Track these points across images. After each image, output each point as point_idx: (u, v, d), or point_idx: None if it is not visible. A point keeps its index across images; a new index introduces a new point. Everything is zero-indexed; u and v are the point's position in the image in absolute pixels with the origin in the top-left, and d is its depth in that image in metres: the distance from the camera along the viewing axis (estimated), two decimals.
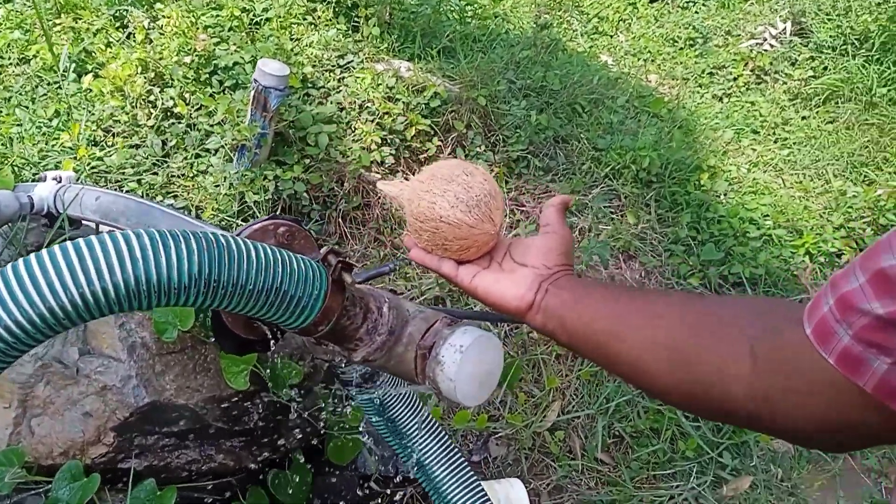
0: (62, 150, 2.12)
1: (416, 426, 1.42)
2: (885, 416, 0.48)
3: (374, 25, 2.74)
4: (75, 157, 2.07)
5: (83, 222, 1.65)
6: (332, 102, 2.53)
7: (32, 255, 0.74)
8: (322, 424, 1.55)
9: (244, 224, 1.18)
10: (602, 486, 1.78)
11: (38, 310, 0.72)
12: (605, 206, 2.53)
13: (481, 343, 0.93)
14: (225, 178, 2.28)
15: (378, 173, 2.52)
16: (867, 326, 0.46)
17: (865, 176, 3.05)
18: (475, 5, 3.18)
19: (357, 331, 0.95)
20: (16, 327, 0.72)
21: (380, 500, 1.69)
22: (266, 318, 0.89)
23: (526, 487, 1.80)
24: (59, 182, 1.63)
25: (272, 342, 1.22)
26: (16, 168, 1.92)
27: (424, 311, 1.01)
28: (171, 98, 2.59)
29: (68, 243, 0.76)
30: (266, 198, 2.30)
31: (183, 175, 2.37)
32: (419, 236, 0.87)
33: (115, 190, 2.21)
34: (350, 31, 2.85)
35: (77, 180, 2.06)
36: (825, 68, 3.50)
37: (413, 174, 2.68)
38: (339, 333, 0.95)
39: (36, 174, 2.01)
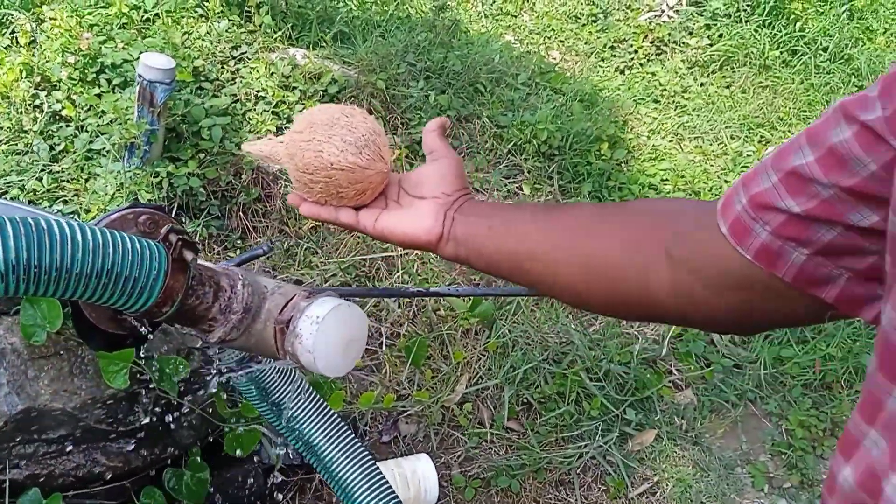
0: None
1: (299, 403, 1.40)
2: (803, 301, 0.52)
3: (267, 14, 2.70)
4: None
5: None
6: (225, 94, 2.48)
7: None
8: (217, 418, 1.52)
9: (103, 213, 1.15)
10: (511, 452, 1.80)
11: None
12: (508, 182, 2.56)
13: (339, 312, 0.93)
14: (115, 177, 2.21)
15: (276, 164, 2.48)
16: (785, 223, 0.49)
17: (761, 136, 3.16)
18: None
19: (209, 310, 0.93)
20: None
21: (288, 490, 1.67)
22: (104, 303, 0.86)
23: (436, 462, 1.81)
24: None
25: (148, 335, 1.18)
26: None
27: (283, 287, 1.00)
28: (58, 101, 2.50)
29: None
30: (160, 195, 2.25)
31: (73, 179, 2.29)
32: (310, 190, 0.81)
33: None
34: (243, 22, 2.79)
35: None
36: (720, 35, 3.61)
37: None
38: (190, 314, 0.92)
39: None
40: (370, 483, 1.62)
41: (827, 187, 0.47)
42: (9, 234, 0.76)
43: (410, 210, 0.80)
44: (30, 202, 2.16)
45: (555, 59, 3.34)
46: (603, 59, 3.53)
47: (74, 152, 2.38)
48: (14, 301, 1.32)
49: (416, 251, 2.29)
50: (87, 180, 2.31)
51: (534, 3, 3.89)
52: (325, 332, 0.92)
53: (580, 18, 3.76)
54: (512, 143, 2.65)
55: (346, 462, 1.61)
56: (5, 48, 2.83)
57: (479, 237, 0.76)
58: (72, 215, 2.18)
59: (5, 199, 1.47)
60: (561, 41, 3.49)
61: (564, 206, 0.83)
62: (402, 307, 2.08)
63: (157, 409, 1.42)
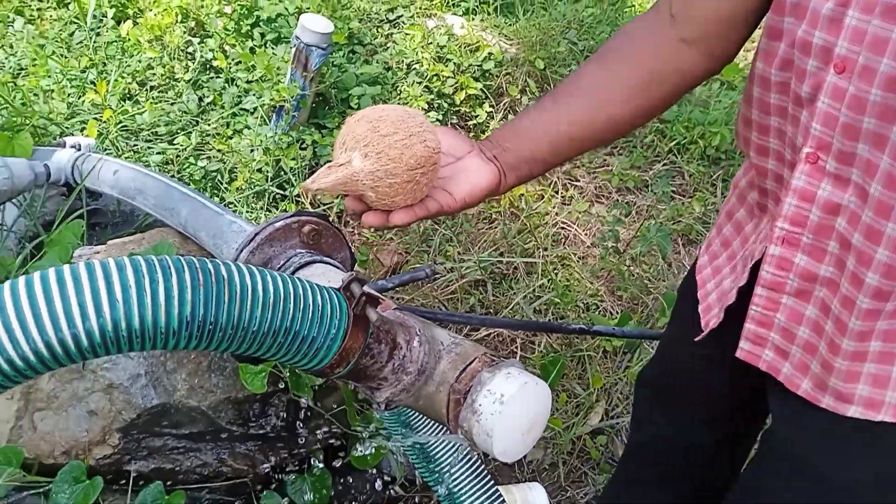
0: (91, 108, 2.01)
1: (448, 452, 1.30)
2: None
3: None
4: (100, 120, 1.96)
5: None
6: (377, 62, 2.36)
7: None
8: (345, 425, 1.45)
9: (268, 219, 1.05)
10: None
11: None
12: (667, 186, 2.34)
13: (527, 391, 0.79)
14: (261, 141, 2.14)
15: None
16: None
17: None
18: None
19: (381, 370, 0.82)
20: None
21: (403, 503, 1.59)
22: (275, 359, 0.76)
23: (561, 496, 1.68)
24: (78, 150, 1.51)
25: None
26: (38, 129, 1.81)
27: (461, 344, 0.87)
28: (211, 50, 2.45)
29: (35, 276, 0.64)
30: (303, 164, 2.17)
31: (218, 135, 2.25)
32: (413, 190, 0.78)
33: (148, 151, 2.11)
34: None
35: (102, 144, 1.96)
36: None
37: None
38: (361, 373, 0.81)
39: (62, 133, 1.91)
40: None
41: None
42: (186, 284, 0.66)
43: (465, 173, 0.84)
44: (175, 158, 2.13)
45: None
46: None
47: (223, 107, 2.33)
48: None
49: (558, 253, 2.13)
50: (231, 137, 2.26)
51: None
52: (509, 413, 0.79)
53: None
54: (675, 142, 2.41)
55: (468, 484, 1.49)
56: None
57: (529, 150, 0.85)
58: (215, 174, 2.14)
59: (150, 169, 1.40)
60: None
61: (569, 80, 0.90)
62: (543, 315, 1.93)
63: (288, 413, 1.35)
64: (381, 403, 0.85)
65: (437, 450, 1.48)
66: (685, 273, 2.17)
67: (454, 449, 1.51)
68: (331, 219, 1.28)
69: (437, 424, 1.22)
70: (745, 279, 0.92)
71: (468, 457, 1.42)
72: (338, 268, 1.08)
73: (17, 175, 1.41)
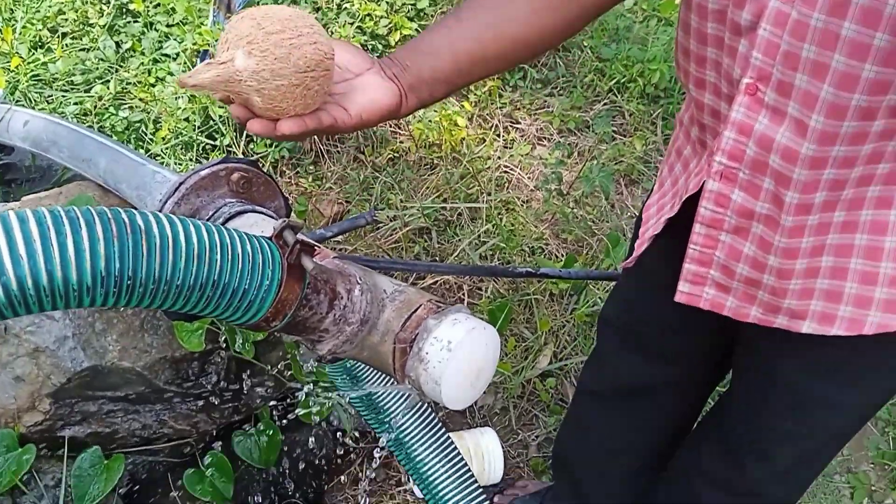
0: None
1: (395, 399, 1.27)
2: None
3: None
4: (8, 69, 1.81)
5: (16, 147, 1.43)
6: (306, 1, 2.25)
7: None
8: (291, 380, 1.40)
9: (196, 166, 0.97)
10: None
11: None
12: (607, 126, 2.32)
13: (474, 336, 0.76)
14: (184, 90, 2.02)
15: None
16: None
17: None
18: None
19: (322, 321, 0.77)
20: None
21: (354, 457, 1.57)
22: (204, 314, 0.71)
23: (513, 439, 1.68)
24: None
25: None
26: None
27: (405, 292, 0.83)
28: None
29: None
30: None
31: (139, 83, 2.12)
32: (303, 96, 0.71)
33: (64, 101, 1.97)
34: None
35: (12, 95, 1.82)
36: None
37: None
38: (300, 325, 0.77)
39: None
40: (443, 460, 1.50)
41: None
42: (98, 236, 0.59)
43: (363, 90, 0.78)
44: (93, 108, 2.00)
45: None
46: None
47: (142, 53, 2.19)
48: None
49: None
50: (154, 85, 2.13)
51: None
52: (457, 360, 0.76)
53: None
54: (614, 81, 2.39)
55: (419, 436, 1.48)
56: None
57: (430, 70, 0.79)
58: (138, 124, 2.02)
59: (65, 119, 1.30)
60: None
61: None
62: (489, 260, 1.91)
63: (229, 370, 1.30)
64: (324, 356, 0.81)
65: (384, 400, 1.45)
66: (628, 214, 2.18)
67: (402, 398, 1.49)
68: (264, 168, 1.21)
69: (383, 375, 1.19)
70: (676, 210, 0.92)
71: (416, 405, 1.40)
72: (272, 217, 1.02)
73: None
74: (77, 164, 1.21)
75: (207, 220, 1.00)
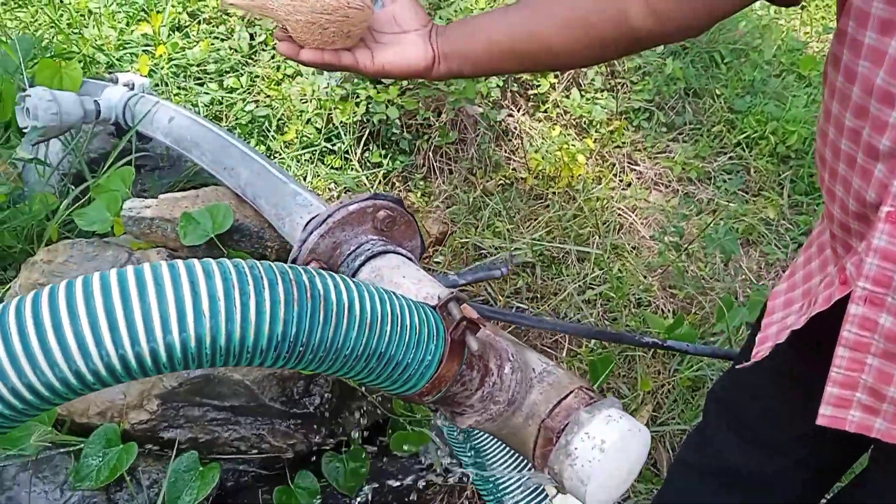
0: (142, 41, 1.90)
1: (513, 478, 1.22)
2: None
3: None
4: (153, 55, 1.85)
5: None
6: (440, 18, 2.23)
7: (61, 292, 0.53)
8: (388, 410, 1.38)
9: (341, 200, 0.96)
10: None
11: (60, 373, 0.52)
12: (736, 185, 2.22)
13: (629, 439, 0.71)
14: (313, 91, 2.04)
15: (480, 106, 2.24)
16: None
17: None
18: None
19: (469, 398, 0.74)
20: (27, 392, 0.52)
21: (438, 491, 1.53)
22: (361, 382, 0.68)
23: None
24: (131, 89, 1.42)
25: None
26: (87, 58, 1.71)
27: (554, 373, 0.78)
28: None
29: (112, 276, 0.55)
30: (355, 120, 2.07)
31: (268, 78, 2.14)
32: (322, 32, 0.82)
33: (197, 90, 2.00)
34: None
35: (152, 80, 1.85)
36: None
37: (519, 111, 2.40)
38: (447, 399, 0.73)
39: (110, 65, 1.81)
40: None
41: None
42: (279, 298, 0.57)
43: (399, 45, 0.85)
44: (222, 100, 2.03)
45: (802, 36, 2.85)
46: None
47: (273, 47, 2.21)
48: (213, 249, 1.18)
49: None
50: (281, 81, 2.15)
51: None
52: (609, 461, 0.71)
53: None
54: (744, 135, 2.28)
55: (514, 483, 1.43)
56: None
57: (466, 44, 0.85)
58: (263, 120, 2.04)
59: (206, 119, 1.31)
60: (811, 12, 2.98)
61: None
62: (594, 307, 1.84)
63: (333, 394, 1.28)
64: (463, 429, 0.78)
65: (504, 481, 1.40)
66: (742, 276, 2.08)
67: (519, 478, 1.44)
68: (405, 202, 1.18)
69: (510, 451, 1.14)
70: (802, 324, 0.86)
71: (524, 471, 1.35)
72: (411, 260, 0.99)
73: (66, 111, 1.32)
74: (217, 170, 1.21)
75: (349, 255, 0.98)
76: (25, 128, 1.32)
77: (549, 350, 1.77)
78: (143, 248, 1.22)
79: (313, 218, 1.06)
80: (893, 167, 0.67)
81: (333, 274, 0.63)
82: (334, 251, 0.97)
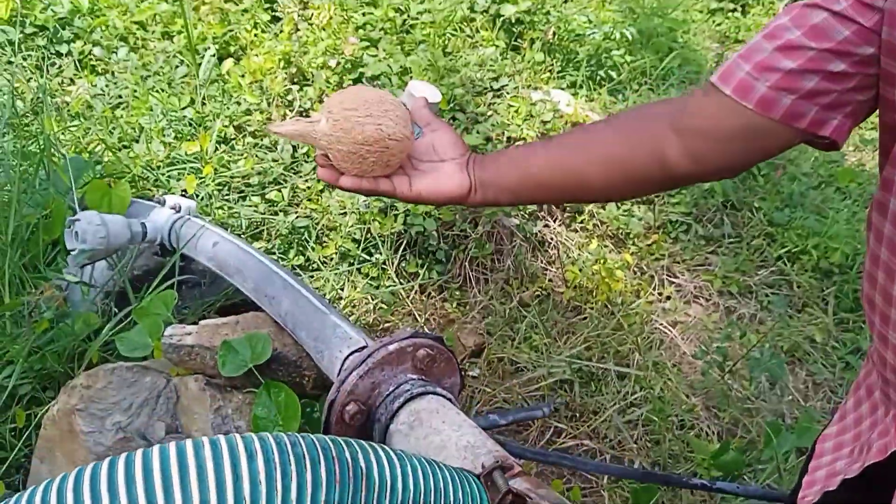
0: (189, 158, 1.97)
1: None
2: (783, 133, 0.72)
3: (538, 50, 2.46)
4: (200, 174, 1.91)
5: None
6: (477, 132, 2.28)
7: (103, 473, 0.52)
8: None
9: (381, 339, 0.95)
10: None
11: None
12: (772, 293, 2.18)
13: None
14: (352, 203, 2.07)
15: (516, 217, 2.25)
16: (781, 78, 0.70)
17: None
18: (646, 37, 2.84)
19: None
20: None
21: None
22: None
23: None
24: (178, 212, 1.45)
25: None
26: (136, 177, 1.77)
27: None
28: (310, 99, 2.41)
29: (154, 454, 0.54)
30: (392, 231, 2.09)
31: (308, 189, 2.19)
32: (361, 161, 0.85)
33: (241, 204, 2.05)
34: (508, 51, 2.58)
35: (198, 197, 1.91)
36: None
37: (556, 221, 2.41)
38: None
39: (157, 182, 1.87)
40: None
41: (813, 49, 0.68)
42: (321, 479, 0.55)
43: (437, 173, 0.88)
44: (263, 215, 2.07)
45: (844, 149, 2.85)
46: None
47: (315, 160, 2.28)
48: (251, 378, 1.17)
49: None
50: (322, 192, 2.19)
51: None
52: None
53: None
54: (785, 249, 2.25)
55: None
56: (267, 25, 2.80)
57: (502, 175, 0.88)
58: (303, 231, 2.07)
59: (251, 246, 1.32)
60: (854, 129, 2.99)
61: (567, 131, 0.96)
62: (635, 428, 1.79)
63: None
64: None
65: None
66: (789, 396, 2.01)
67: None
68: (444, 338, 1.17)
69: None
70: (856, 473, 0.82)
71: None
72: (451, 401, 0.97)
73: (114, 234, 1.35)
74: (259, 298, 1.22)
75: (388, 395, 0.96)
76: (73, 249, 1.34)
77: (589, 475, 1.70)
78: (181, 374, 1.22)
79: (353, 353, 1.05)
80: None
81: (377, 446, 0.61)
82: (373, 391, 0.96)
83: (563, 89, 2.48)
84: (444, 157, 0.90)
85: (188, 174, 1.81)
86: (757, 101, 0.70)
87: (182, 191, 1.83)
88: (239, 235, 1.97)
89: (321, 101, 2.40)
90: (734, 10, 3.70)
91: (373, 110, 0.85)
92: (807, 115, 0.70)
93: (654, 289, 2.18)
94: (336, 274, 2.01)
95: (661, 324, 2.09)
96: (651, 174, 0.83)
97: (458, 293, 2.19)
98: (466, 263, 2.21)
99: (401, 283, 2.09)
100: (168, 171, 1.91)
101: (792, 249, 2.24)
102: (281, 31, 2.69)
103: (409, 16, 2.73)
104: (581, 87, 2.54)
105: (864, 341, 2.08)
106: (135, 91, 2.37)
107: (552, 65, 2.55)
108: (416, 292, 2.13)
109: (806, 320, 2.13)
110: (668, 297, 2.18)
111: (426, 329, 2.10)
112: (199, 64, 2.37)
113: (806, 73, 0.68)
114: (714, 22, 3.54)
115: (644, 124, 0.84)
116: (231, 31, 2.67)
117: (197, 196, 1.85)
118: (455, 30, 2.62)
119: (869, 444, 0.83)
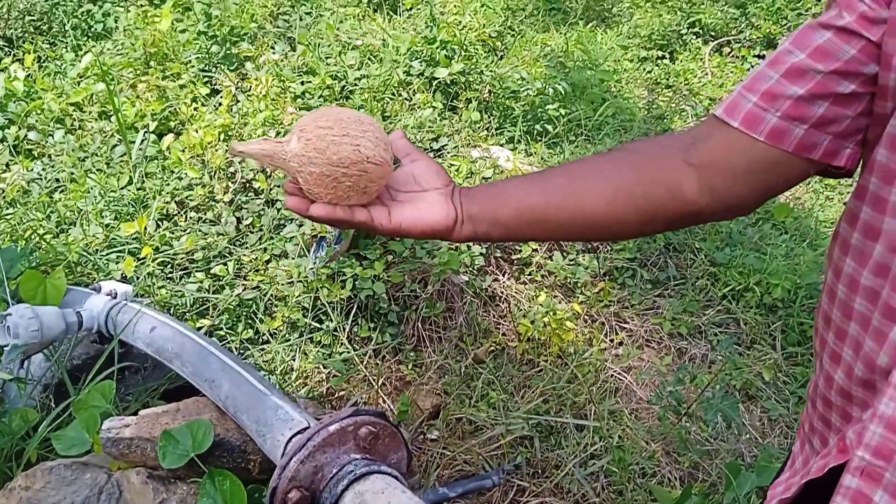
0: (128, 239, 1.94)
1: None
2: (798, 164, 0.71)
3: (474, 110, 2.51)
4: (138, 255, 1.88)
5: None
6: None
7: None
8: None
9: (323, 418, 0.94)
10: None
11: None
12: (721, 332, 2.21)
13: None
14: (299, 272, 2.06)
15: (465, 275, 2.26)
16: (790, 106, 0.68)
17: None
18: (579, 89, 2.93)
19: None
20: None
21: None
22: None
23: None
24: (114, 298, 1.42)
25: None
26: (72, 265, 1.74)
27: None
28: (252, 170, 2.41)
29: None
30: (342, 296, 2.08)
31: (254, 259, 2.17)
32: (336, 186, 0.77)
33: (183, 281, 2.02)
34: (446, 111, 2.63)
35: (137, 278, 1.88)
36: None
37: (504, 275, 2.43)
38: None
39: (95, 267, 1.83)
40: None
41: (820, 71, 0.67)
42: None
43: (419, 202, 0.81)
44: (209, 288, 2.04)
45: None
46: (826, 186, 3.11)
47: (260, 229, 2.26)
48: (194, 467, 1.14)
49: None
50: (268, 262, 2.18)
51: None
52: None
53: None
54: (729, 288, 2.30)
55: None
56: (205, 98, 2.81)
57: (493, 208, 0.81)
58: (250, 303, 2.05)
59: (191, 329, 1.30)
60: None
61: (569, 162, 0.88)
62: (597, 480, 1.77)
63: None
64: None
65: None
66: (746, 435, 2.02)
67: None
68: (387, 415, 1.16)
69: None
70: (793, 494, 0.81)
71: None
72: (397, 479, 0.95)
73: (48, 326, 1.32)
74: (199, 383, 1.19)
75: (331, 479, 0.94)
76: (6, 345, 1.30)
77: None
78: (122, 468, 1.18)
79: (295, 434, 1.03)
80: None
81: None
82: (315, 475, 0.94)
83: (501, 145, 2.53)
84: (426, 186, 0.82)
85: (127, 256, 1.77)
86: (768, 132, 0.69)
87: (122, 274, 1.79)
88: (183, 314, 1.94)
89: (263, 171, 2.41)
90: (662, 58, 3.84)
91: (350, 129, 0.77)
92: (820, 146, 0.69)
93: (605, 336, 2.20)
94: (287, 345, 1.98)
95: (615, 371, 2.10)
96: (665, 209, 0.79)
97: (412, 354, 2.18)
98: (419, 324, 2.20)
99: (354, 349, 2.07)
100: (107, 254, 1.88)
101: (735, 287, 2.29)
102: (220, 105, 2.70)
103: (347, 82, 2.78)
104: (519, 141, 2.59)
105: (812, 373, 2.12)
106: (72, 173, 2.35)
107: (489, 122, 2.61)
108: (370, 357, 2.11)
109: (756, 357, 2.16)
110: (621, 343, 2.20)
111: (382, 393, 2.08)
112: (133, 142, 2.35)
113: (815, 99, 0.67)
114: (644, 70, 3.67)
115: (656, 158, 0.80)
116: (170, 106, 2.68)
117: (137, 278, 1.82)
118: (393, 94, 2.67)
119: (808, 469, 0.83)
